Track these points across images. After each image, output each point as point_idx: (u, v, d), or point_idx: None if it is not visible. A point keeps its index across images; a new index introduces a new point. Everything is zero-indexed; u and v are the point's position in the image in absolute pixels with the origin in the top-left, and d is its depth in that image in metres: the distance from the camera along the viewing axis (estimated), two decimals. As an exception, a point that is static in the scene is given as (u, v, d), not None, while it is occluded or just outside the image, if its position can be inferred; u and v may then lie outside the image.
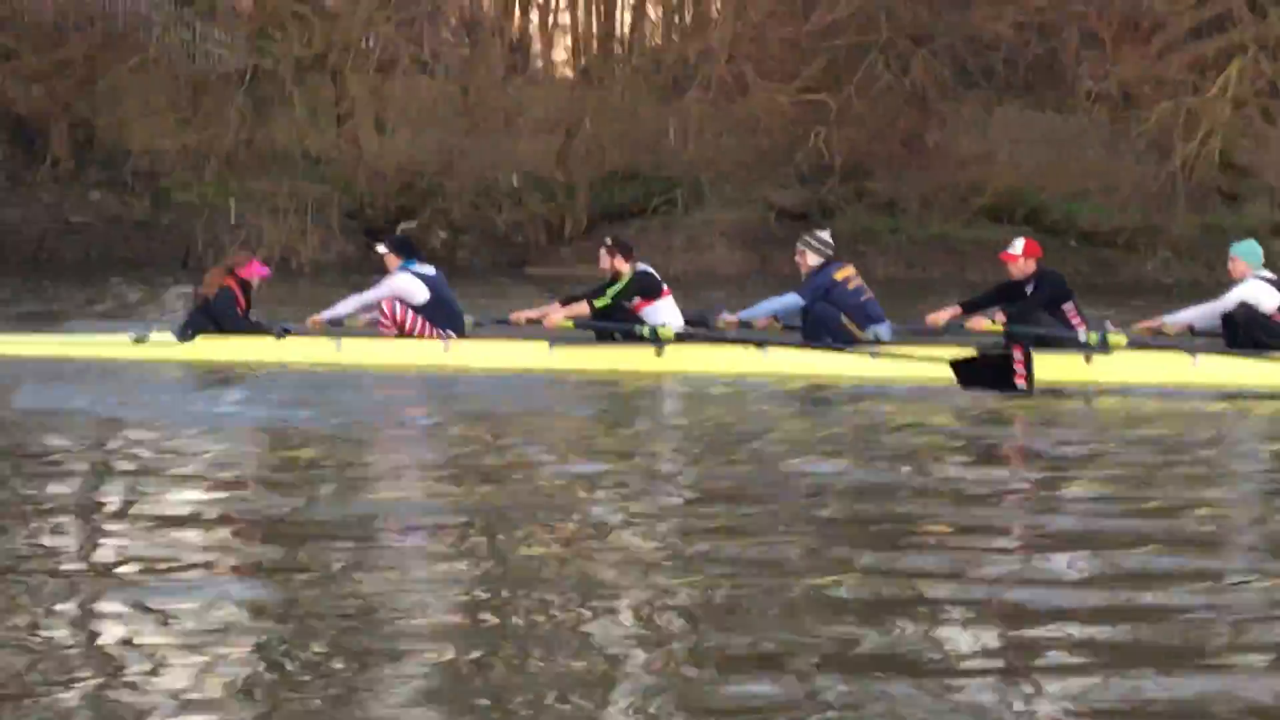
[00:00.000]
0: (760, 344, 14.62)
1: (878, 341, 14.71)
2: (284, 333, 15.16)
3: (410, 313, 15.19)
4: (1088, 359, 14.16)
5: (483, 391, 13.69)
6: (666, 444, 11.21)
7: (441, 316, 15.25)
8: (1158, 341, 14.50)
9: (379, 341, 15.24)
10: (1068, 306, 14.64)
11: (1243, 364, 14.05)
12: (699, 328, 15.15)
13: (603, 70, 36.62)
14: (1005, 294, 14.93)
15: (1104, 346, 14.19)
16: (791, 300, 15.00)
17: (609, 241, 15.80)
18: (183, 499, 8.49)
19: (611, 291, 15.16)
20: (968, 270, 30.83)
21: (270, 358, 14.85)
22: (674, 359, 14.65)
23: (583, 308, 15.22)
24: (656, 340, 14.68)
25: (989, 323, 14.58)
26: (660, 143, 34.75)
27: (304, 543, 7.30)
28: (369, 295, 15.42)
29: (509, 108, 35.39)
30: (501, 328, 15.77)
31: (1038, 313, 14.53)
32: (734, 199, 33.70)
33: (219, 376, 14.13)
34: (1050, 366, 13.90)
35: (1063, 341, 14.38)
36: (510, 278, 31.08)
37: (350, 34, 34.72)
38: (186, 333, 15.07)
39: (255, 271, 15.41)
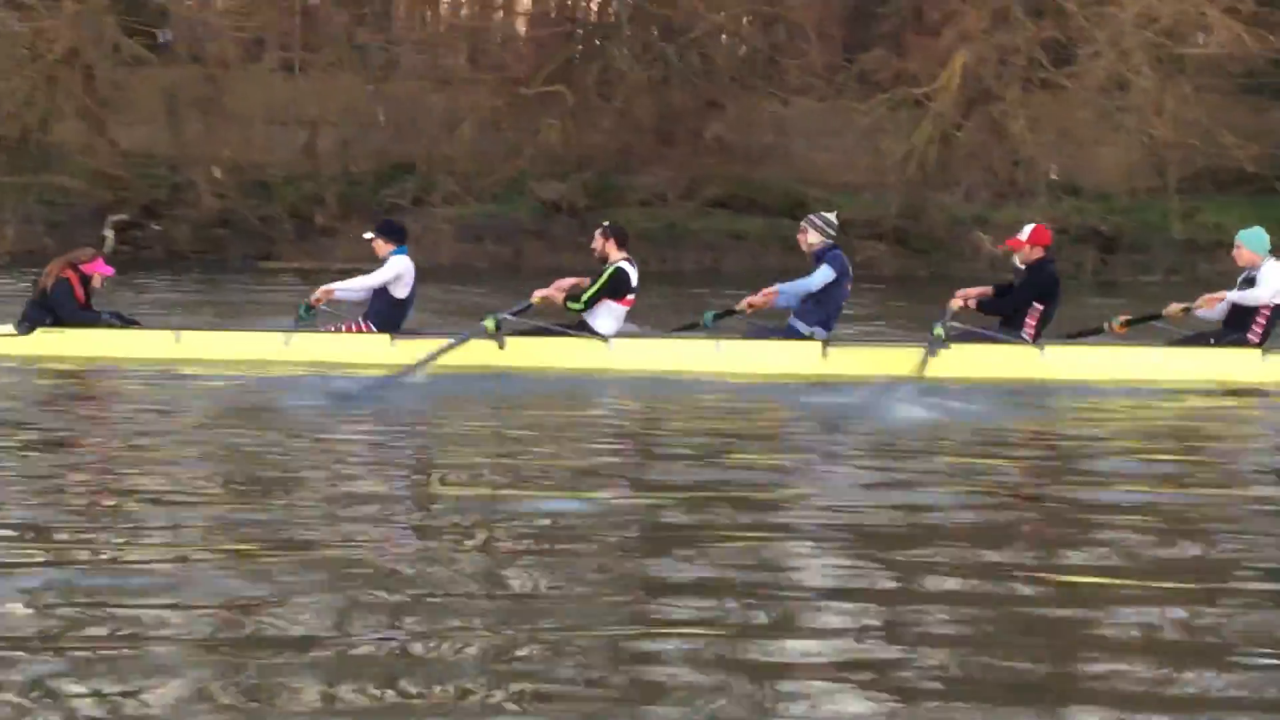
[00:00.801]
0: (604, 338, 14.57)
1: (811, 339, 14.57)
2: (127, 323, 15.01)
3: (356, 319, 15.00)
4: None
5: (307, 388, 13.27)
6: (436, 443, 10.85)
7: (396, 311, 15.02)
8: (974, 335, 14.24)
9: (217, 335, 15.11)
10: (1037, 306, 14.36)
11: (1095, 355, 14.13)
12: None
13: (333, 63, 36.45)
14: (1011, 282, 14.78)
15: (941, 343, 14.05)
16: (825, 273, 14.66)
17: (606, 224, 15.40)
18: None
19: (587, 295, 14.72)
20: (722, 261, 31.44)
21: (110, 352, 14.60)
22: (516, 353, 14.55)
23: (558, 299, 14.81)
24: (494, 334, 14.49)
25: (960, 304, 14.49)
26: (415, 136, 34.74)
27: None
28: (373, 279, 15.04)
29: (252, 100, 35.01)
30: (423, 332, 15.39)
31: (1026, 303, 14.34)
32: (488, 192, 33.85)
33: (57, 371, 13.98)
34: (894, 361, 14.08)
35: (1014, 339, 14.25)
36: (253, 272, 30.80)
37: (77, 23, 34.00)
38: (24, 325, 14.81)
39: (98, 269, 15.08)
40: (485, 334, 14.51)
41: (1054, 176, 33.94)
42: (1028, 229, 14.74)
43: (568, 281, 14.99)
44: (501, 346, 14.53)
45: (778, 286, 14.87)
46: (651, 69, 34.39)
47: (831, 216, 15.19)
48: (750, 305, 14.80)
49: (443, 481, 9.14)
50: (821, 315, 14.68)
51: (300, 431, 10.81)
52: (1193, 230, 32.04)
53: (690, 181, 33.64)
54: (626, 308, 14.89)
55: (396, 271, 14.92)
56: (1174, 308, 14.50)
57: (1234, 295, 14.21)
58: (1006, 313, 14.41)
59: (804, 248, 15.02)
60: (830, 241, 14.87)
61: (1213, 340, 14.30)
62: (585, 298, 14.70)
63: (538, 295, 14.83)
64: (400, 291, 14.98)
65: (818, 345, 14.47)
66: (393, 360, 14.45)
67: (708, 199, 33.77)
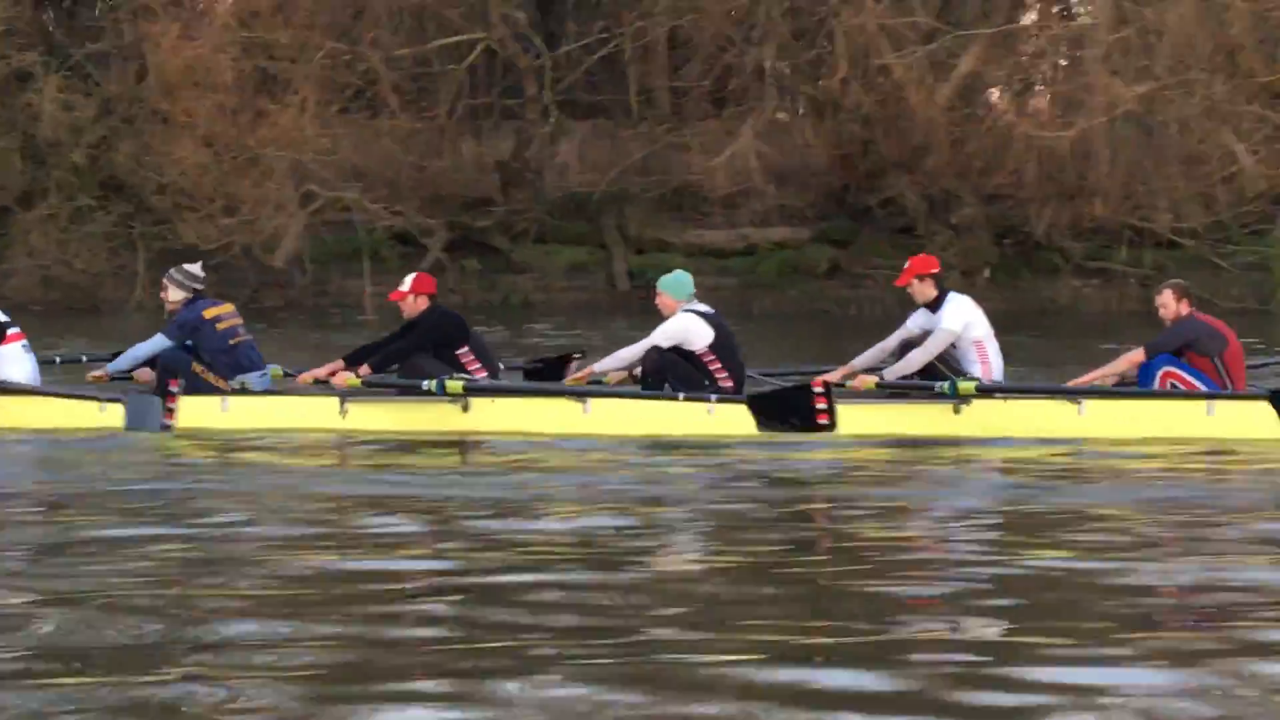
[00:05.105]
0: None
1: (245, 391, 13.83)
2: None
3: None
4: (465, 408, 13.45)
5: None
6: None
7: None
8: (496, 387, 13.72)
9: None
10: (463, 351, 13.75)
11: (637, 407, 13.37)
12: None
13: None
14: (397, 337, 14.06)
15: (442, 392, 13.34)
16: (158, 341, 13.88)
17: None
18: None
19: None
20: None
21: None
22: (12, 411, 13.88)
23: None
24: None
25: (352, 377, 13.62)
26: None
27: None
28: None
29: None
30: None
31: (423, 356, 13.59)
32: None
33: None
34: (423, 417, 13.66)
35: (418, 390, 13.44)
36: None
37: None
38: None
39: None
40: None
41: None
42: (408, 279, 13.94)
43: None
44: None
45: (106, 369, 14.27)
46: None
47: (194, 268, 14.23)
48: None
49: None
50: (224, 365, 13.92)
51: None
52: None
53: None
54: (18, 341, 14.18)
55: None
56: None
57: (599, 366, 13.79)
58: (410, 366, 13.67)
59: (168, 307, 14.21)
60: (193, 296, 13.98)
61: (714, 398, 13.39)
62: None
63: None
64: None
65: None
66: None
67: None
